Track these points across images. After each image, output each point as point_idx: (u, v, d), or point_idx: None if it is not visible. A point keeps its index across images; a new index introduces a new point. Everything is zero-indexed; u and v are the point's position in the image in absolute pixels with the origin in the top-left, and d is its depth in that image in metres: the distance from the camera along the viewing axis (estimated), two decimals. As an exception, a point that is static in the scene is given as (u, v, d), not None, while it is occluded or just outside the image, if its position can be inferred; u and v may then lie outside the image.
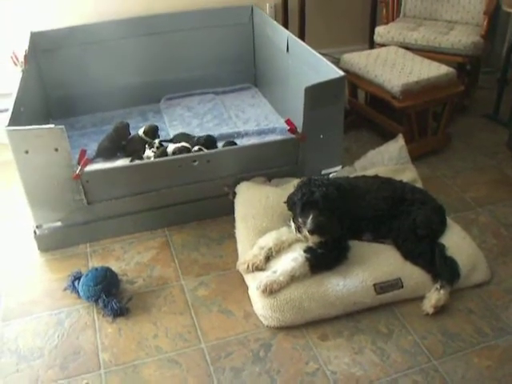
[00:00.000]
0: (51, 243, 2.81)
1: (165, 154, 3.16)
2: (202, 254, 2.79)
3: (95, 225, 2.82)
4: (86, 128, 3.88)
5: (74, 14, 3.91)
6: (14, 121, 2.61)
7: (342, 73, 2.83)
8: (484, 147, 3.66)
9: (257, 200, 2.77)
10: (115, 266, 2.70)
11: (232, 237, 2.80)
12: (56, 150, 2.53)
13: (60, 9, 3.91)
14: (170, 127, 3.81)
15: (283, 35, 3.53)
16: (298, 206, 2.49)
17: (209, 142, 3.24)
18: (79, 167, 2.59)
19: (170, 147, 3.20)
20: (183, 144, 3.18)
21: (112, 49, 3.92)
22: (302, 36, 4.18)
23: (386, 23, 4.07)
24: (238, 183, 2.90)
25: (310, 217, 2.43)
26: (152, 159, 3.11)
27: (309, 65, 3.22)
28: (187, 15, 4.03)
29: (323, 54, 3.23)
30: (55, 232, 2.78)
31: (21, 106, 2.88)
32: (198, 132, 3.71)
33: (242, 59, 4.20)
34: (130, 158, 3.28)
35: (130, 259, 2.77)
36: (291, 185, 2.84)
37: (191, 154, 2.85)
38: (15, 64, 3.11)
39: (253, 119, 3.87)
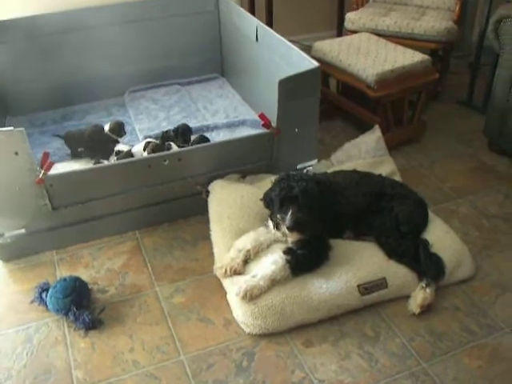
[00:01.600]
0: (14, 252, 2.65)
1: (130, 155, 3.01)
2: (176, 257, 2.66)
3: (61, 231, 2.66)
4: (47, 125, 3.69)
5: (30, 3, 3.68)
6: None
7: (316, 63, 2.72)
8: (459, 134, 3.59)
9: (232, 199, 2.65)
10: (85, 275, 2.55)
11: (207, 238, 2.67)
12: (16, 153, 2.36)
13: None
14: (136, 121, 3.65)
15: (252, 23, 3.39)
16: (276, 201, 2.38)
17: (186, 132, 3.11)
18: (42, 171, 2.42)
19: (136, 147, 3.05)
20: (148, 140, 3.04)
21: (70, 40, 3.72)
22: (269, 23, 4.06)
23: (356, 9, 3.95)
24: (211, 181, 2.75)
25: (289, 213, 2.32)
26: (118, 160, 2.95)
27: (280, 55, 3.10)
28: (149, 3, 3.85)
29: (292, 42, 3.10)
30: (18, 240, 2.62)
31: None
32: (165, 126, 3.55)
33: (207, 48, 4.05)
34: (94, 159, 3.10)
35: (99, 266, 2.63)
36: (267, 182, 2.72)
37: (161, 154, 2.69)
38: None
39: (221, 111, 3.74)
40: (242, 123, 3.52)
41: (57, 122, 3.72)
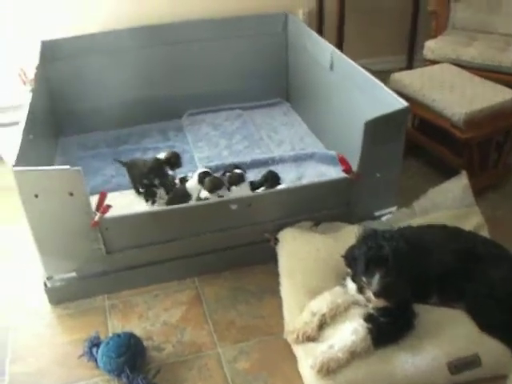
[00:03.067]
0: (64, 295, 2.43)
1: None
2: (240, 313, 2.39)
3: (115, 275, 2.42)
4: (100, 147, 3.47)
5: (87, 22, 3.52)
6: (21, 155, 2.21)
7: (404, 103, 2.43)
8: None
9: (305, 252, 2.38)
10: (138, 328, 2.31)
11: (274, 292, 2.41)
12: (71, 194, 2.13)
13: (72, 16, 3.52)
14: (195, 149, 3.40)
15: (325, 49, 3.12)
16: (361, 262, 2.09)
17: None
18: (98, 214, 2.18)
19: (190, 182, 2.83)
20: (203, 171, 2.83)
21: (128, 59, 3.53)
22: (339, 46, 3.75)
23: (435, 36, 3.63)
24: (281, 229, 2.48)
25: (377, 276, 2.04)
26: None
27: (358, 86, 2.82)
28: (213, 23, 3.64)
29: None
30: (69, 284, 2.41)
31: (29, 133, 2.47)
32: (227, 156, 3.30)
33: (272, 72, 3.80)
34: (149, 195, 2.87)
35: (155, 318, 2.38)
36: (344, 233, 2.47)
37: (229, 198, 2.43)
38: (23, 82, 2.69)
39: (287, 141, 3.47)
40: (310, 157, 3.25)
41: (110, 144, 3.51)
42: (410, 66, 4.38)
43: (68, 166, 2.09)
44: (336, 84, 3.09)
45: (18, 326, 2.38)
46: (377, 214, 2.66)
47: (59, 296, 2.42)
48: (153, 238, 2.38)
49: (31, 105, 2.65)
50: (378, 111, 2.50)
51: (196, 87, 3.69)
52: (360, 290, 2.12)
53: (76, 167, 2.11)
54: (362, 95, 2.80)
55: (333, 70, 3.08)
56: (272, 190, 2.56)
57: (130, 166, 2.97)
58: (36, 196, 2.12)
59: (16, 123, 2.50)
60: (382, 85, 2.66)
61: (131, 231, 2.33)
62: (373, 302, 2.09)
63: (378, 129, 2.35)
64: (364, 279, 2.08)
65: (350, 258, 2.18)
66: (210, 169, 3.09)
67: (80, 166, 3.09)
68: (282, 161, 3.22)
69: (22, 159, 2.20)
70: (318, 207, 2.52)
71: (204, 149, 3.40)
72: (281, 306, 2.34)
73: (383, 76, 3.62)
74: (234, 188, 2.67)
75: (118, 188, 3.09)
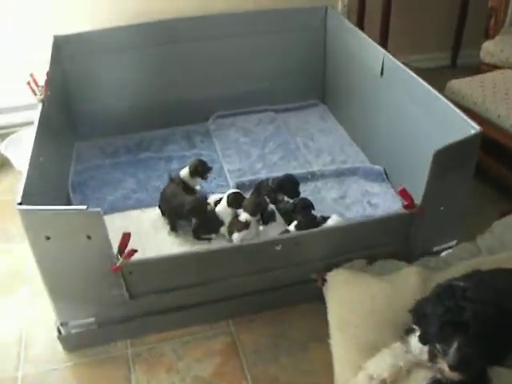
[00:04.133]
0: (81, 342, 2.13)
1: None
2: (283, 366, 2.09)
3: (138, 321, 2.11)
4: (119, 155, 3.15)
5: (104, 15, 3.16)
6: (29, 186, 1.88)
7: (477, 127, 2.07)
8: None
9: (358, 300, 2.05)
10: (167, 382, 1.98)
11: (321, 340, 2.09)
12: (89, 237, 1.80)
13: (87, 9, 3.13)
14: (224, 158, 3.06)
15: (375, 53, 2.76)
16: (434, 323, 1.75)
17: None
18: (121, 259, 1.85)
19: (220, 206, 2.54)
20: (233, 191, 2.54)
21: (150, 55, 3.19)
22: (384, 43, 3.38)
23: (492, 36, 3.24)
24: (330, 268, 2.15)
25: (455, 346, 1.69)
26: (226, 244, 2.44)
27: (413, 98, 2.52)
28: (244, 17, 3.29)
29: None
30: (87, 330, 2.08)
31: (40, 155, 2.14)
32: (260, 168, 2.96)
33: (308, 70, 3.45)
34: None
35: (185, 370, 2.08)
36: (402, 276, 2.15)
37: (274, 238, 2.10)
38: (33, 92, 2.35)
39: (326, 151, 3.13)
40: (353, 172, 2.92)
41: (131, 150, 3.19)
42: (454, 63, 4.01)
43: (85, 207, 1.76)
44: (386, 92, 2.75)
45: (26, 377, 2.07)
46: (436, 249, 2.32)
47: (75, 342, 2.13)
48: (184, 281, 2.07)
49: (42, 117, 2.32)
50: (438, 129, 2.27)
51: (224, 87, 3.36)
52: (431, 357, 1.79)
53: (95, 209, 1.76)
54: (418, 108, 2.47)
55: (383, 76, 2.70)
56: (323, 228, 2.21)
57: (165, 199, 2.63)
58: (47, 238, 1.80)
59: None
60: (445, 100, 2.29)
61: (159, 275, 2.02)
62: (446, 373, 1.76)
63: (447, 158, 2.01)
64: (438, 346, 1.75)
65: (421, 314, 1.85)
66: (243, 185, 2.78)
67: (98, 176, 2.89)
68: (322, 176, 2.90)
69: (29, 191, 1.86)
70: (372, 244, 2.19)
71: (234, 159, 3.06)
72: (330, 358, 2.01)
73: (427, 75, 3.28)
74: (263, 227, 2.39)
75: (139, 205, 2.79)
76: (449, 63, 4.05)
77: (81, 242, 1.83)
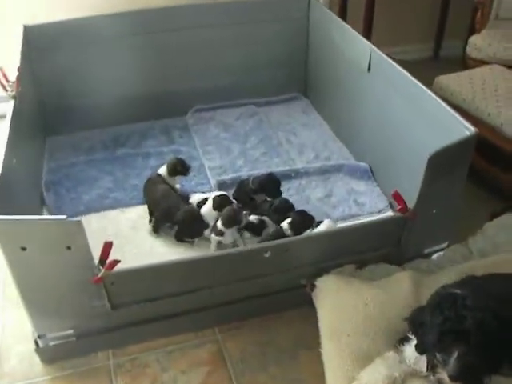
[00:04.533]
0: (59, 354, 2.02)
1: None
2: (272, 375, 2.02)
3: (121, 331, 2.01)
4: (95, 150, 3.02)
5: (77, 5, 2.99)
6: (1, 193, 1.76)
7: (472, 129, 2.00)
8: None
9: (351, 307, 1.99)
10: (152, 397, 1.90)
11: (310, 347, 2.03)
12: (68, 248, 1.69)
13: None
14: (204, 155, 2.96)
15: (361, 47, 2.67)
16: (433, 332, 1.69)
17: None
18: (103, 270, 1.75)
19: (205, 208, 2.41)
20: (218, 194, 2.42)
21: (126, 47, 3.06)
22: (367, 35, 3.30)
23: (479, 30, 3.17)
24: (319, 273, 2.08)
25: (455, 355, 1.63)
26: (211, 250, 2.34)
27: (402, 95, 2.44)
28: (222, 7, 3.16)
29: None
30: (66, 342, 1.98)
31: (13, 157, 2.01)
32: (242, 165, 2.87)
33: (290, 62, 3.35)
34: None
35: (171, 382, 1.99)
36: (394, 281, 2.09)
37: (262, 245, 2.01)
38: (4, 88, 2.21)
39: (309, 147, 3.04)
40: (338, 170, 2.83)
41: (107, 146, 3.06)
42: (436, 55, 3.95)
43: (64, 217, 1.64)
44: (372, 87, 2.67)
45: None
46: (427, 251, 2.26)
47: (53, 355, 2.02)
48: (168, 290, 1.97)
49: (14, 115, 2.18)
50: (428, 128, 2.22)
51: (203, 79, 3.25)
52: (431, 367, 1.73)
53: (76, 218, 1.64)
54: (407, 105, 2.40)
55: (370, 71, 2.62)
56: (314, 233, 2.13)
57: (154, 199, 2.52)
58: (23, 249, 1.68)
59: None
60: (436, 99, 2.22)
61: (142, 284, 1.92)
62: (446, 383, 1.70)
63: (442, 161, 1.93)
64: (438, 356, 1.68)
65: (417, 322, 1.78)
66: (224, 183, 2.68)
67: (73, 174, 2.76)
68: (306, 174, 2.81)
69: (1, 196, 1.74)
70: (363, 248, 2.12)
71: (215, 155, 2.96)
72: (320, 367, 1.94)
73: (411, 67, 3.22)
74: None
75: (117, 204, 2.69)
76: (431, 55, 3.99)
77: (60, 253, 1.72)
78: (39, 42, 2.86)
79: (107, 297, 1.88)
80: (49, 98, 3.01)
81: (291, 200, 2.59)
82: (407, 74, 2.39)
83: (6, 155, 1.95)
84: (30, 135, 2.65)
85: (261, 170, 2.77)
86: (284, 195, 2.63)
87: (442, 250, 2.31)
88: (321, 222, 2.25)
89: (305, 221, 2.24)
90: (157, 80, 3.15)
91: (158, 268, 1.90)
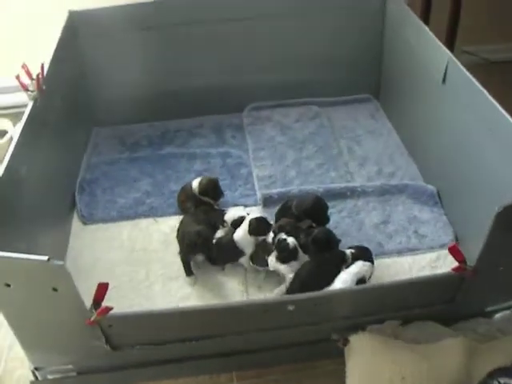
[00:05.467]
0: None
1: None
2: None
3: (124, 371, 1.80)
4: (139, 147, 2.84)
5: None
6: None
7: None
8: None
9: (386, 380, 1.67)
10: None
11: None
12: (55, 289, 1.47)
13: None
14: (255, 161, 2.70)
15: (438, 54, 2.29)
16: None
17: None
18: (95, 314, 1.53)
19: (238, 233, 2.15)
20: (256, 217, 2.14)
21: (178, 36, 2.79)
22: (452, 37, 2.87)
23: None
24: (356, 329, 1.77)
25: None
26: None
27: (478, 116, 2.06)
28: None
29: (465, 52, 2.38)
30: (65, 377, 1.78)
31: (22, 165, 1.83)
32: (294, 177, 2.58)
33: (360, 59, 2.97)
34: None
35: None
36: (443, 349, 1.78)
37: (285, 299, 1.73)
38: (24, 88, 2.01)
39: (372, 160, 2.71)
40: (400, 191, 2.49)
41: (153, 143, 2.86)
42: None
43: (46, 258, 1.42)
44: (448, 103, 2.28)
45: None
46: (489, 309, 1.90)
47: (51, 387, 1.82)
48: (176, 336, 1.74)
49: (30, 118, 1.99)
50: (501, 157, 1.89)
51: (263, 74, 2.93)
52: None
53: (59, 262, 1.42)
54: (482, 129, 2.02)
55: (445, 83, 2.24)
56: (347, 289, 1.82)
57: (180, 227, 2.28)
58: (7, 285, 1.48)
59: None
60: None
61: (144, 329, 1.68)
62: None
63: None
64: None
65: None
66: (270, 198, 2.41)
67: (112, 173, 2.59)
68: (364, 194, 2.49)
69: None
70: (408, 305, 1.79)
71: (266, 162, 2.69)
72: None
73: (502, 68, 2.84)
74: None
75: (152, 213, 2.48)
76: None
77: (46, 294, 1.51)
78: (85, 29, 2.65)
79: (105, 338, 1.66)
80: (95, 88, 2.83)
81: (342, 224, 2.30)
82: (485, 91, 1.99)
83: (7, 168, 1.76)
84: (64, 130, 2.46)
85: (312, 186, 2.48)
86: (336, 217, 2.37)
87: (508, 308, 1.93)
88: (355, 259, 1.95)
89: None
90: (211, 73, 2.89)
91: (158, 316, 1.66)
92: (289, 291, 1.96)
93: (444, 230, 2.32)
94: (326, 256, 2.00)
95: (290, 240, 1.99)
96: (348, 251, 2.00)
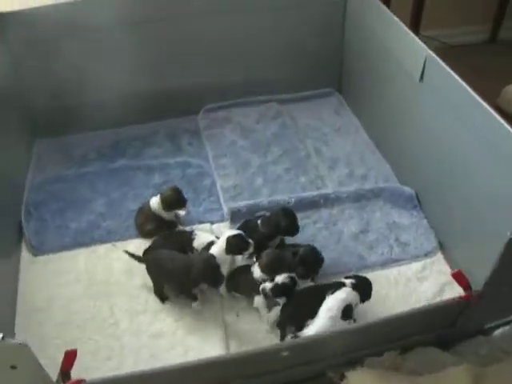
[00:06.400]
0: None
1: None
2: None
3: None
4: (88, 162, 2.59)
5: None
6: None
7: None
8: None
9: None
10: None
11: None
12: (13, 367, 1.25)
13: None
14: (218, 170, 2.48)
15: (413, 50, 2.11)
16: None
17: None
18: (62, 387, 1.32)
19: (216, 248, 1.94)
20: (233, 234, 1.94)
21: (125, 37, 2.52)
22: (416, 22, 2.72)
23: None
24: (352, 365, 1.61)
25: None
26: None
27: (461, 116, 1.91)
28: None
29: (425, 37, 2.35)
30: None
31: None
32: (261, 185, 2.39)
33: (321, 52, 2.78)
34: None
35: None
36: (446, 378, 1.61)
37: (278, 346, 1.55)
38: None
39: (342, 161, 2.55)
40: (376, 195, 2.33)
41: (103, 155, 2.62)
42: (493, 38, 3.35)
43: (1, 336, 1.19)
44: (423, 98, 2.13)
45: None
46: (488, 326, 1.78)
47: None
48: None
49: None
50: (494, 162, 1.74)
51: (218, 73, 2.74)
52: None
53: (22, 341, 1.19)
54: (464, 126, 1.87)
55: (423, 80, 2.08)
56: (342, 330, 1.64)
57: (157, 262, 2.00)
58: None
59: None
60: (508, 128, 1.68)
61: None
62: None
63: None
64: None
65: None
66: (238, 211, 2.22)
67: (61, 193, 2.33)
68: (338, 200, 2.32)
69: None
70: (408, 334, 1.64)
71: (229, 170, 2.49)
72: None
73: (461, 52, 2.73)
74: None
75: (109, 237, 2.23)
76: (488, 37, 3.38)
77: (4, 371, 1.28)
78: (21, 32, 2.37)
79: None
80: (37, 96, 2.56)
81: (319, 237, 2.15)
82: (469, 89, 1.84)
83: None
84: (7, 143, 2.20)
85: (283, 196, 2.30)
86: (311, 229, 2.23)
87: (507, 323, 1.81)
88: (339, 282, 1.79)
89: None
90: (163, 74, 2.68)
91: (147, 376, 1.45)
92: (280, 319, 1.80)
93: (426, 236, 2.20)
94: (326, 286, 1.83)
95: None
96: (348, 281, 1.83)
